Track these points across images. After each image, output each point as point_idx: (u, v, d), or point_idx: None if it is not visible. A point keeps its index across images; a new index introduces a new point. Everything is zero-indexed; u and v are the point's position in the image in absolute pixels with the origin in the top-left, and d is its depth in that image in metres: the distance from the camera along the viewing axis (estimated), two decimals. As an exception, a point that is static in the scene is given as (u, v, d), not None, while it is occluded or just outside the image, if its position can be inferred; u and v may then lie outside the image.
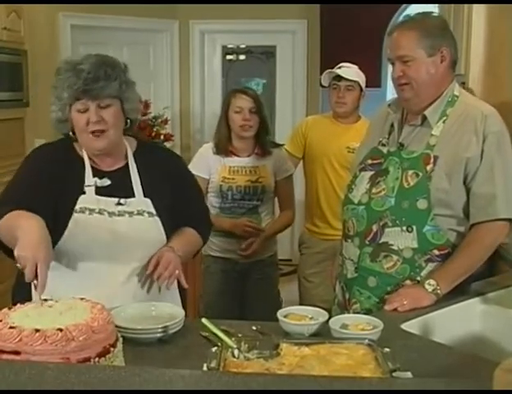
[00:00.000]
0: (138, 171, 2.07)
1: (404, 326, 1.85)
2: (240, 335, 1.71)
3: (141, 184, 2.06)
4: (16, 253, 1.71)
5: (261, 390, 1.27)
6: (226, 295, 3.18)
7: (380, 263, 2.09)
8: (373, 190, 2.13)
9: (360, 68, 3.44)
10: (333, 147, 3.37)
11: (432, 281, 1.98)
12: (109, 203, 2.00)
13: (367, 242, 2.12)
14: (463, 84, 3.70)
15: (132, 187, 2.05)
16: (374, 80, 5.00)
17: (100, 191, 2.01)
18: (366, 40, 5.96)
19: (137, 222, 2.02)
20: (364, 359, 1.55)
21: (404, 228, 2.05)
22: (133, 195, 2.04)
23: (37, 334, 1.40)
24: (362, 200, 2.15)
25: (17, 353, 1.40)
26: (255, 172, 3.12)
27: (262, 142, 3.15)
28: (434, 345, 1.76)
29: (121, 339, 1.56)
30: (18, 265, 1.70)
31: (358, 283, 2.16)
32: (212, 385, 1.29)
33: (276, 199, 3.29)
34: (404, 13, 5.61)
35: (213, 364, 1.47)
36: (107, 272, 2.00)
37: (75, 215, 1.96)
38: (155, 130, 5.14)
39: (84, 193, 1.99)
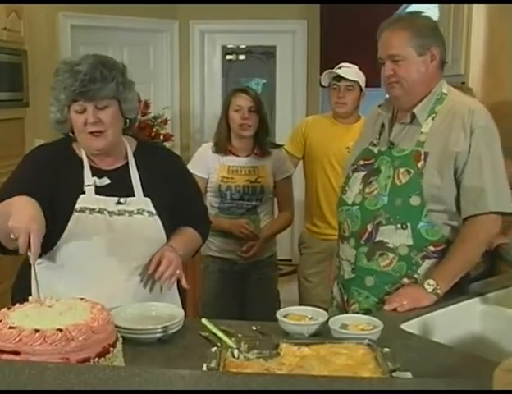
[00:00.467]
0: (138, 171, 2.07)
1: (403, 326, 1.85)
2: (239, 335, 1.71)
3: (141, 183, 2.06)
4: (9, 224, 1.72)
5: (261, 390, 1.27)
6: (225, 295, 3.18)
7: (376, 261, 2.10)
8: (366, 190, 2.14)
9: (360, 68, 3.43)
10: (333, 147, 3.37)
11: (432, 281, 1.98)
12: (109, 202, 2.00)
13: (362, 242, 2.13)
14: (462, 84, 3.70)
15: (132, 186, 2.05)
16: (374, 80, 5.01)
17: (100, 191, 2.01)
18: (366, 40, 5.93)
19: (137, 221, 2.02)
20: (364, 359, 1.55)
21: (399, 226, 2.06)
22: (133, 195, 2.04)
23: (37, 334, 1.40)
24: (355, 201, 2.16)
25: (17, 353, 1.39)
26: (254, 172, 3.13)
27: (262, 142, 3.15)
28: (434, 345, 1.76)
29: (120, 339, 1.56)
30: (12, 236, 1.72)
31: (355, 284, 2.16)
32: (212, 385, 1.29)
33: (275, 199, 3.29)
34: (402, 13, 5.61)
35: (213, 364, 1.47)
36: (107, 272, 2.00)
37: (75, 214, 1.96)
38: (155, 130, 5.15)
39: (83, 192, 1.99)
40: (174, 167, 2.20)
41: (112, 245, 1.99)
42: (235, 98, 3.10)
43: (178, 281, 2.10)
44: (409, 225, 2.05)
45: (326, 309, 1.89)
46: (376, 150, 2.18)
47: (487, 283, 2.26)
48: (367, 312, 2.10)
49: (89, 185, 2.00)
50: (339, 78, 3.35)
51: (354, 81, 3.35)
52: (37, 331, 1.41)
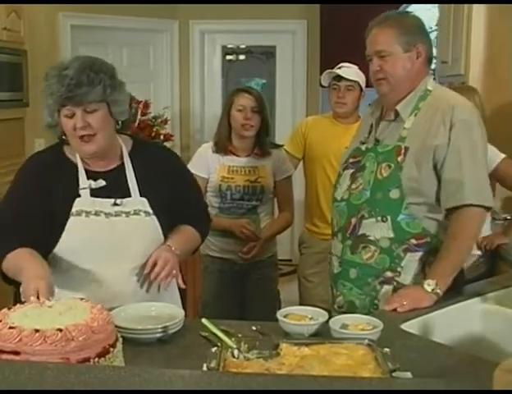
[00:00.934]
0: (134, 171, 2.07)
1: (403, 326, 1.85)
2: (239, 335, 1.71)
3: (137, 183, 2.06)
4: (21, 289, 1.77)
5: (261, 390, 1.27)
6: (225, 295, 3.18)
7: (359, 254, 2.16)
8: (353, 186, 2.21)
9: (360, 68, 3.43)
10: (333, 147, 3.36)
11: (431, 281, 1.99)
12: (105, 204, 2.00)
13: (347, 235, 2.19)
14: (462, 84, 3.71)
15: (128, 187, 2.05)
16: (374, 80, 4.99)
17: (96, 193, 2.01)
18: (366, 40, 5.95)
19: (134, 221, 2.02)
20: (364, 359, 1.55)
21: (379, 218, 2.12)
22: (129, 195, 2.04)
23: (37, 334, 1.40)
24: (344, 197, 2.24)
25: (17, 353, 1.40)
26: (254, 172, 3.12)
27: (262, 142, 3.14)
28: (434, 345, 1.76)
29: (120, 339, 1.56)
30: (22, 298, 1.75)
31: (341, 276, 2.23)
32: (212, 385, 1.29)
33: (275, 199, 3.29)
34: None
35: (213, 364, 1.48)
36: (105, 273, 2.00)
37: (71, 218, 1.97)
38: (155, 130, 5.14)
39: (79, 196, 1.99)
40: (172, 165, 2.19)
41: (109, 247, 1.99)
42: (237, 97, 3.09)
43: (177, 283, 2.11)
44: (388, 217, 2.11)
45: (326, 309, 1.89)
46: (364, 148, 2.25)
47: (487, 283, 2.26)
48: (351, 304, 2.18)
49: (84, 188, 2.00)
50: (339, 78, 3.35)
51: (354, 81, 3.34)
52: (37, 331, 1.41)
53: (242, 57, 6.36)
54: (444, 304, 1.99)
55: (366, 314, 1.93)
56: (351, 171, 2.25)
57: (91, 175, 2.02)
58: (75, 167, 2.03)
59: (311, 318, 1.83)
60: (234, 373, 1.45)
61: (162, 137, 5.17)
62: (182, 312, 1.90)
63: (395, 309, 1.95)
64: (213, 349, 1.56)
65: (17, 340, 1.40)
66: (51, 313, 1.52)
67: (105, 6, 5.10)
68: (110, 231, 1.99)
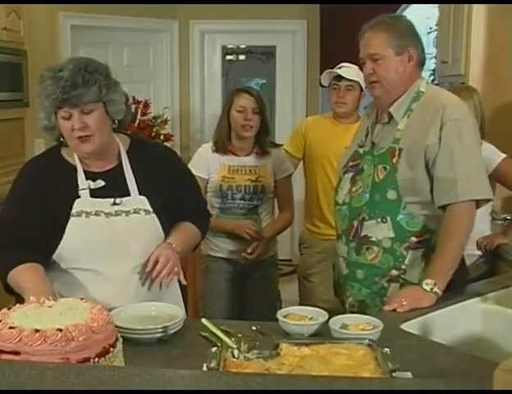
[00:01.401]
0: (132, 170, 2.07)
1: (403, 326, 1.85)
2: (239, 335, 1.71)
3: (136, 182, 2.06)
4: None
5: (261, 390, 1.27)
6: (225, 295, 3.18)
7: (364, 255, 2.19)
8: (353, 189, 2.25)
9: (360, 68, 3.43)
10: (333, 147, 3.36)
11: (429, 281, 2.00)
12: (105, 204, 2.01)
13: (351, 238, 2.23)
14: (462, 84, 3.71)
15: (127, 186, 2.05)
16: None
17: (95, 193, 2.01)
18: (366, 40, 5.95)
19: (134, 220, 2.02)
20: (364, 359, 1.55)
21: (379, 220, 2.15)
22: (128, 194, 2.04)
23: (37, 334, 1.40)
24: (345, 200, 2.27)
25: (17, 353, 1.40)
26: (255, 172, 3.12)
27: (262, 142, 3.14)
28: (434, 345, 1.76)
29: (120, 339, 1.56)
30: None
31: (350, 278, 2.26)
32: (212, 385, 1.29)
33: (275, 199, 3.28)
34: (404, 13, 5.61)
35: (213, 364, 1.48)
36: (107, 272, 2.00)
37: (72, 219, 1.98)
38: (155, 130, 5.14)
39: (79, 197, 2.00)
40: (170, 163, 2.19)
41: (110, 246, 1.99)
42: (238, 98, 3.09)
43: (179, 280, 2.11)
44: (388, 218, 2.14)
45: (326, 309, 1.89)
46: (362, 151, 2.29)
47: (487, 283, 2.27)
48: (361, 302, 2.21)
49: (83, 189, 2.01)
50: (339, 78, 3.34)
51: (355, 81, 3.34)
52: (37, 331, 1.41)
53: (242, 57, 6.35)
54: (444, 304, 1.99)
55: (377, 312, 1.94)
56: (351, 174, 2.28)
57: (90, 175, 2.03)
58: (74, 168, 2.03)
59: (311, 318, 1.83)
60: (234, 373, 1.45)
61: (162, 137, 5.17)
62: (182, 312, 1.90)
63: (394, 309, 1.96)
64: (213, 349, 1.56)
65: (17, 340, 1.40)
66: (51, 313, 1.52)
67: (105, 7, 5.10)
68: (110, 230, 1.99)
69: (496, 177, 2.92)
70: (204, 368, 1.48)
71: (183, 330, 1.83)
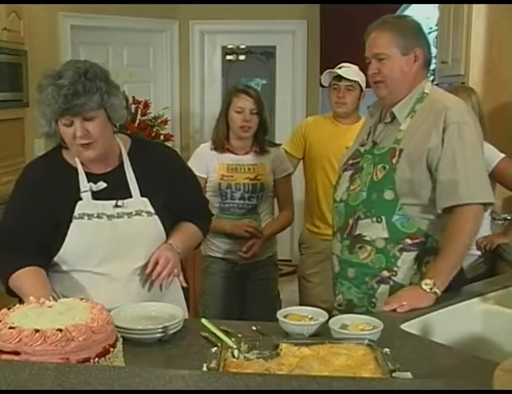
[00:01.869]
0: (133, 171, 2.07)
1: (403, 326, 1.85)
2: (239, 335, 1.71)
3: (137, 183, 2.06)
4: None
5: (261, 390, 1.27)
6: (225, 295, 3.18)
7: (356, 254, 2.19)
8: (351, 187, 2.24)
9: (361, 68, 3.43)
10: (333, 147, 3.36)
11: (428, 281, 1.99)
12: (107, 206, 2.01)
13: (345, 236, 2.23)
14: (462, 84, 3.71)
15: (128, 187, 2.05)
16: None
17: (97, 195, 2.01)
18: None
19: (136, 222, 2.02)
20: (364, 359, 1.55)
21: (374, 219, 2.15)
22: (130, 195, 2.04)
23: (37, 334, 1.40)
24: (342, 198, 2.27)
25: (17, 353, 1.39)
26: (254, 170, 3.12)
27: (260, 140, 3.14)
28: (434, 345, 1.76)
29: (120, 339, 1.56)
30: None
31: (341, 276, 2.26)
32: (212, 385, 1.29)
33: (275, 199, 3.28)
34: (404, 13, 5.62)
35: (213, 365, 1.48)
36: (109, 274, 2.00)
37: (74, 221, 1.98)
38: (155, 130, 5.14)
39: (81, 199, 2.00)
40: (171, 163, 2.19)
41: (112, 249, 1.99)
42: (237, 98, 3.08)
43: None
44: (383, 218, 2.14)
45: (326, 309, 1.89)
46: (362, 150, 2.28)
47: (487, 283, 2.26)
48: (349, 302, 2.21)
49: (85, 191, 2.00)
50: (339, 78, 3.35)
51: (355, 81, 3.34)
52: (37, 331, 1.41)
53: (242, 57, 6.35)
54: (444, 304, 1.99)
55: (364, 313, 1.94)
56: (350, 172, 2.27)
57: (91, 177, 2.03)
58: (75, 170, 2.03)
59: (311, 319, 1.83)
60: (234, 373, 1.45)
61: (161, 137, 5.17)
62: (182, 312, 1.90)
63: (394, 310, 1.96)
64: (213, 349, 1.56)
65: (17, 340, 1.40)
66: (51, 313, 1.52)
67: (105, 7, 5.10)
68: (113, 233, 1.99)
69: (494, 177, 2.92)
70: (204, 369, 1.48)
71: (183, 330, 1.83)
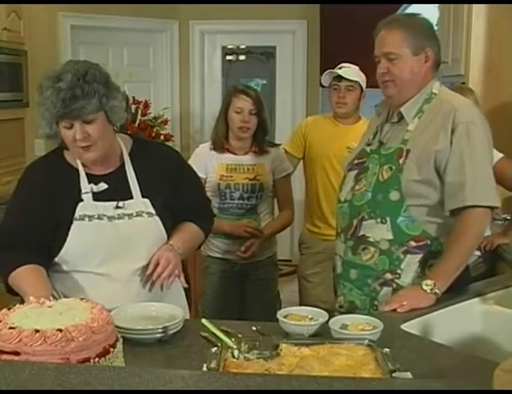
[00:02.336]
0: (135, 171, 2.07)
1: (404, 326, 1.85)
2: (239, 335, 1.71)
3: (138, 184, 2.06)
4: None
5: (261, 390, 1.27)
6: (225, 295, 3.18)
7: (359, 255, 2.16)
8: (356, 187, 2.22)
9: (361, 68, 3.43)
10: (333, 147, 3.37)
11: (429, 281, 1.98)
12: (107, 207, 2.01)
13: (349, 236, 2.20)
14: (462, 84, 3.71)
15: (129, 188, 2.05)
16: (375, 80, 4.98)
17: (98, 196, 2.01)
18: (366, 40, 5.95)
19: (137, 223, 2.02)
20: (364, 359, 1.55)
21: (379, 220, 2.12)
22: (131, 197, 2.04)
23: (37, 334, 1.40)
24: (347, 198, 2.24)
25: (17, 353, 1.39)
26: (253, 170, 3.12)
27: (260, 141, 3.14)
28: (434, 345, 1.76)
29: (120, 339, 1.56)
30: None
31: (343, 277, 2.24)
32: (212, 385, 1.29)
33: (275, 200, 3.28)
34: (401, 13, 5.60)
35: (213, 365, 1.48)
36: (109, 274, 2.01)
37: (75, 223, 1.98)
38: (155, 130, 5.14)
39: (82, 200, 2.00)
40: (173, 163, 2.19)
41: (113, 250, 2.00)
42: (236, 98, 3.08)
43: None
44: (388, 219, 2.11)
45: (326, 310, 1.89)
46: (368, 149, 2.25)
47: (487, 283, 2.26)
48: (351, 303, 2.19)
49: (86, 193, 2.00)
50: (339, 78, 3.35)
51: (355, 81, 3.34)
52: (37, 331, 1.41)
53: (242, 57, 6.35)
54: (444, 304, 1.99)
55: (365, 315, 1.93)
56: (355, 172, 2.25)
57: (92, 179, 2.03)
58: (76, 171, 2.03)
59: (311, 319, 1.83)
60: (234, 373, 1.45)
61: (162, 137, 5.17)
62: (182, 312, 1.90)
63: (394, 310, 1.95)
64: (213, 349, 1.56)
65: (17, 340, 1.40)
66: (51, 313, 1.52)
67: (105, 7, 5.10)
68: (113, 234, 1.99)
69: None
70: (204, 369, 1.48)
71: (183, 330, 1.83)
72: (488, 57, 3.80)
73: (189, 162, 3.13)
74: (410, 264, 2.11)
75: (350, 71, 3.36)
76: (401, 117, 2.18)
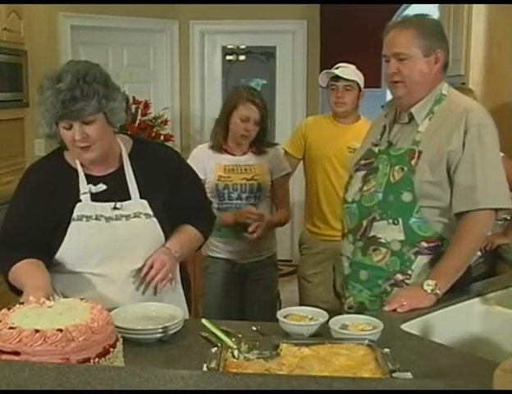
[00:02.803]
0: (134, 172, 2.07)
1: (404, 326, 1.85)
2: (239, 335, 1.71)
3: (137, 185, 2.06)
4: (23, 299, 1.78)
5: (261, 390, 1.27)
6: (225, 295, 3.18)
7: (370, 256, 2.15)
8: (365, 188, 2.20)
9: (360, 68, 3.43)
10: (333, 147, 3.37)
11: (431, 282, 1.98)
12: (105, 208, 2.01)
13: (358, 237, 2.18)
14: (463, 85, 3.71)
15: (128, 190, 2.05)
16: (374, 80, 4.97)
17: (96, 197, 2.01)
18: (366, 40, 5.95)
19: (134, 224, 2.02)
20: (364, 359, 1.55)
21: (391, 221, 2.11)
22: (129, 197, 2.04)
23: (37, 334, 1.40)
24: (355, 198, 2.22)
25: (17, 353, 1.40)
26: (251, 170, 3.12)
27: (258, 143, 3.14)
28: (434, 345, 1.76)
29: (120, 339, 1.56)
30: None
31: (352, 278, 2.22)
32: (212, 385, 1.29)
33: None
34: (404, 13, 5.61)
35: (213, 365, 1.48)
36: (106, 275, 2.01)
37: (73, 223, 1.98)
38: (155, 130, 5.14)
39: (80, 201, 2.00)
40: (172, 162, 2.19)
41: (110, 251, 2.00)
42: (243, 106, 3.04)
43: (182, 282, 2.11)
44: (400, 220, 2.10)
45: (326, 310, 1.89)
46: (376, 150, 2.23)
47: (487, 283, 2.26)
48: (360, 305, 2.17)
49: (84, 193, 2.01)
50: (337, 78, 3.35)
51: (353, 81, 3.34)
52: (37, 331, 1.41)
53: (242, 57, 6.35)
54: (444, 304, 1.99)
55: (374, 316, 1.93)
56: (363, 172, 2.23)
57: (91, 179, 2.03)
58: (76, 172, 2.03)
59: (311, 319, 1.83)
60: (234, 373, 1.45)
61: (162, 137, 5.17)
62: (182, 312, 1.90)
63: (394, 310, 1.95)
64: (213, 349, 1.56)
65: (17, 340, 1.40)
66: (51, 313, 1.53)
67: (105, 7, 5.10)
68: (111, 235, 1.99)
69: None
70: (204, 369, 1.48)
71: (183, 330, 1.83)
72: (488, 57, 3.80)
73: (188, 162, 3.14)
74: (421, 265, 2.10)
75: (348, 71, 3.36)
76: (411, 118, 2.16)
